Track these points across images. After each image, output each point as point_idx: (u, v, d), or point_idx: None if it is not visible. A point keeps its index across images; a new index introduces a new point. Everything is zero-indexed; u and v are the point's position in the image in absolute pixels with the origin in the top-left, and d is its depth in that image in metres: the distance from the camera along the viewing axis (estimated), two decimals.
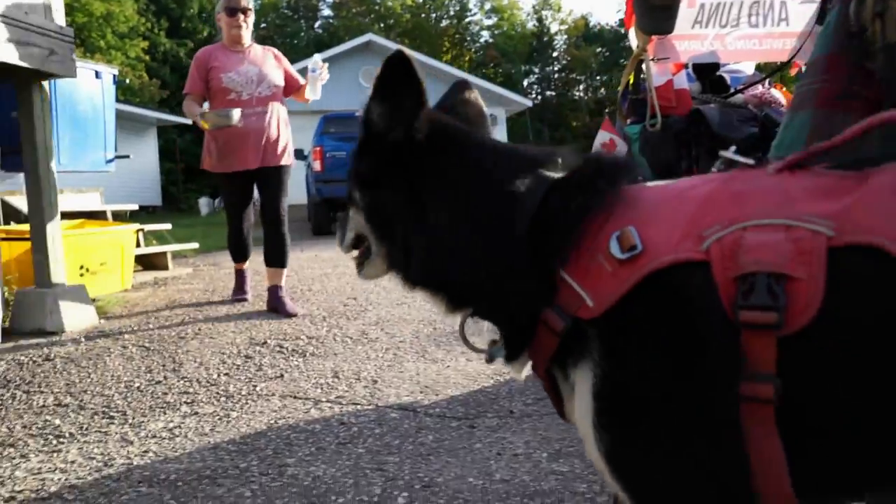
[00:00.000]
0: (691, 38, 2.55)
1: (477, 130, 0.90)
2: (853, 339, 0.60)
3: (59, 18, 3.28)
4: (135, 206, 5.99)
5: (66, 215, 5.10)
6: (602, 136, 2.46)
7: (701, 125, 2.24)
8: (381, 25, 37.12)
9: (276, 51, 3.81)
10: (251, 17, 3.61)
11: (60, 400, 2.30)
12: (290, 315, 3.53)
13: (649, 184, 0.77)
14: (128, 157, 5.51)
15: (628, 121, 2.49)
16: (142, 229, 4.93)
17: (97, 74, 4.32)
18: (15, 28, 2.96)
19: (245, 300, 3.91)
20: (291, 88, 3.74)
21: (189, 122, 18.78)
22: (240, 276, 4.02)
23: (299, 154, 12.82)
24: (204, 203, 18.43)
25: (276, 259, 3.69)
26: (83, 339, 3.12)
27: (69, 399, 2.31)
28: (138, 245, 5.62)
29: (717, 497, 0.66)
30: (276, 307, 3.63)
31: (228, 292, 4.43)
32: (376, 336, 3.11)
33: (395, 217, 0.83)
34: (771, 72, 2.73)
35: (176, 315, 3.70)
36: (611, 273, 0.67)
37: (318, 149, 10.02)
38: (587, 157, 0.82)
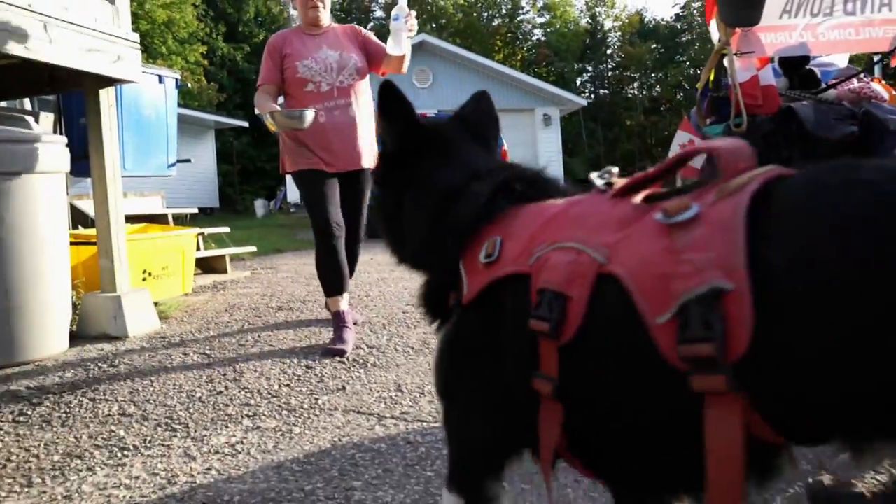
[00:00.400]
0: (778, 30, 2.36)
1: (469, 138, 1.09)
2: (603, 350, 0.71)
3: (126, 24, 3.31)
4: (194, 210, 6.10)
5: (130, 218, 5.21)
6: (681, 137, 2.30)
7: (792, 124, 2.06)
8: (434, 25, 37.18)
9: (357, 27, 3.25)
10: None
11: (125, 409, 2.29)
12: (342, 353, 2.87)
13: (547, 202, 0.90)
14: (189, 161, 5.60)
15: (708, 121, 2.32)
16: (202, 233, 4.97)
17: (160, 79, 4.38)
18: (85, 35, 2.99)
19: (344, 352, 2.87)
20: (377, 61, 3.10)
21: (245, 124, 19.06)
22: (339, 320, 3.03)
23: None
24: (259, 205, 18.79)
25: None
26: (146, 346, 3.14)
27: (133, 409, 2.30)
28: (198, 248, 5.71)
29: (488, 459, 0.89)
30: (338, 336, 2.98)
31: (286, 297, 4.43)
32: None
33: (390, 211, 1.08)
34: (870, 63, 2.51)
35: (235, 321, 3.69)
36: (479, 272, 0.86)
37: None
38: (508, 173, 0.98)
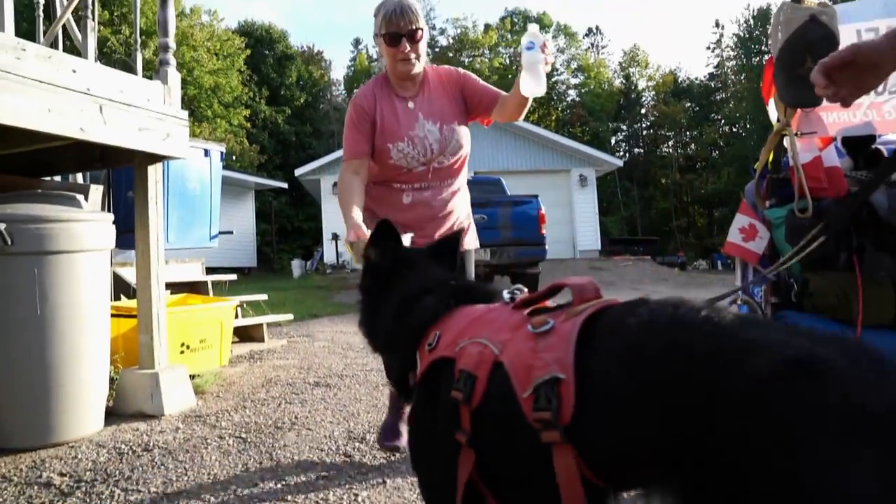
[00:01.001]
0: (841, 109, 2.27)
1: (432, 261, 1.44)
2: (496, 413, 0.98)
3: (177, 102, 3.38)
4: (233, 277, 6.12)
5: (170, 286, 5.24)
6: (740, 221, 2.19)
7: (864, 211, 1.94)
8: None
9: (456, 71, 2.54)
10: (424, 39, 2.37)
11: (157, 503, 2.20)
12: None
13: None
14: (231, 232, 5.66)
15: (767, 203, 2.21)
16: (241, 304, 4.96)
17: (206, 153, 4.47)
18: (137, 114, 3.06)
19: (398, 449, 2.60)
20: (484, 109, 2.47)
21: (284, 185, 19.30)
22: (399, 410, 2.64)
23: None
24: (296, 265, 19.00)
25: None
26: (181, 425, 3.07)
27: (165, 502, 2.20)
28: (236, 317, 5.70)
29: (440, 492, 1.11)
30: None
31: (324, 371, 4.34)
32: None
33: (369, 312, 1.43)
34: None
35: (272, 398, 3.61)
36: (425, 357, 1.15)
37: None
38: (452, 287, 1.29)
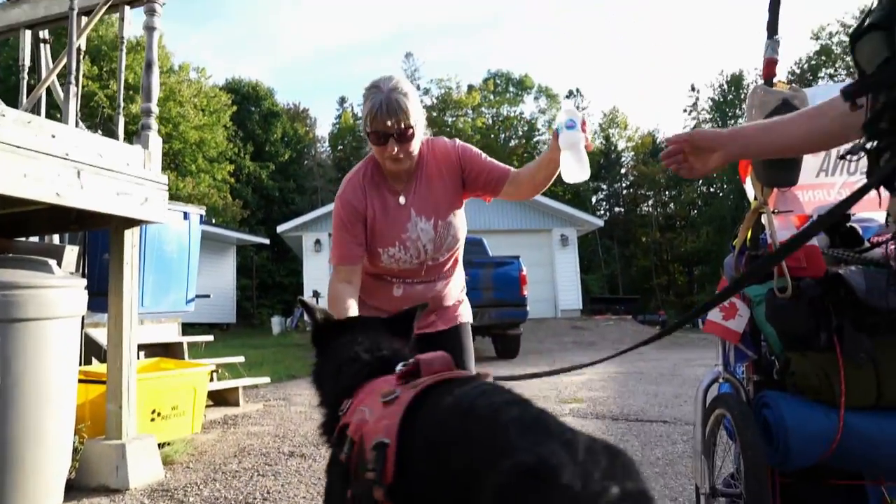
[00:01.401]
0: (816, 188, 2.31)
1: (380, 331, 1.51)
2: (361, 466, 1.06)
3: (156, 166, 3.37)
4: (210, 338, 5.99)
5: (144, 347, 5.11)
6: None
7: (841, 291, 1.94)
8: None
9: (455, 148, 2.15)
10: (417, 136, 2.01)
11: None
12: None
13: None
14: (208, 296, 5.57)
15: None
16: (216, 370, 4.84)
17: (185, 216, 4.44)
18: (116, 179, 3.03)
19: None
20: (491, 188, 2.16)
21: (266, 241, 19.18)
22: None
23: None
24: (276, 322, 18.76)
25: None
26: (146, 502, 2.93)
27: None
28: (211, 380, 5.56)
29: None
30: None
31: (299, 439, 4.21)
32: None
33: (316, 368, 1.52)
34: None
35: (244, 469, 3.48)
36: (342, 417, 1.21)
37: None
38: (375, 356, 1.36)
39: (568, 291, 19.68)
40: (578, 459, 0.76)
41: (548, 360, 9.90)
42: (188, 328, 18.37)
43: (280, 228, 19.57)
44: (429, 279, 2.24)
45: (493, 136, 40.33)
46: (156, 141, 3.37)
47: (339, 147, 41.96)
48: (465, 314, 2.37)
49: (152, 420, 3.74)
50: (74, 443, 3.37)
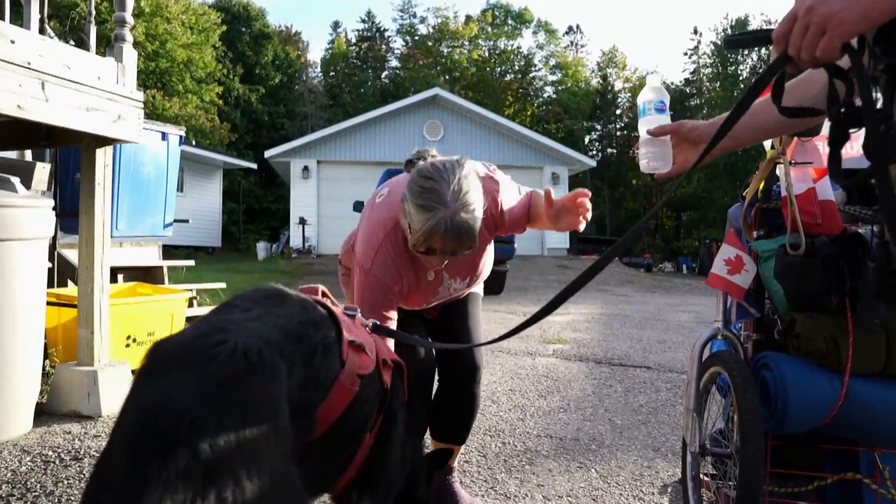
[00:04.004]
0: None
1: None
2: None
3: (131, 82, 3.14)
4: (191, 263, 5.85)
5: (122, 270, 4.97)
6: (727, 251, 2.06)
7: (858, 251, 1.82)
8: (447, 78, 37.77)
9: (495, 219, 1.93)
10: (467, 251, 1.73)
11: None
12: None
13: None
14: (187, 221, 5.38)
15: (755, 233, 2.09)
16: (195, 297, 4.72)
17: (163, 136, 4.20)
18: (85, 94, 2.81)
19: None
20: (524, 223, 1.99)
21: (254, 165, 18.88)
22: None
23: (359, 206, 12.81)
24: (262, 247, 18.62)
25: (454, 428, 2.15)
26: None
27: None
28: (191, 306, 5.45)
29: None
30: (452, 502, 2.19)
31: None
32: None
33: None
34: None
35: None
36: None
37: None
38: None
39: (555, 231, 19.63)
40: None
41: (532, 299, 9.90)
42: (171, 251, 18.22)
43: (268, 153, 19.17)
44: (448, 301, 2.15)
45: (488, 69, 39.30)
46: (130, 54, 3.12)
47: (332, 73, 40.81)
48: (479, 287, 2.28)
49: (127, 346, 3.63)
50: (45, 367, 3.27)
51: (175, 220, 4.66)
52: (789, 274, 1.82)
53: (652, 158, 1.50)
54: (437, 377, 2.13)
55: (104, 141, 3.04)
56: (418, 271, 1.90)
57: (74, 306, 3.32)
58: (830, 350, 1.74)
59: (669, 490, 2.46)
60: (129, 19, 3.15)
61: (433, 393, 2.15)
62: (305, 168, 18.76)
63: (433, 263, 1.84)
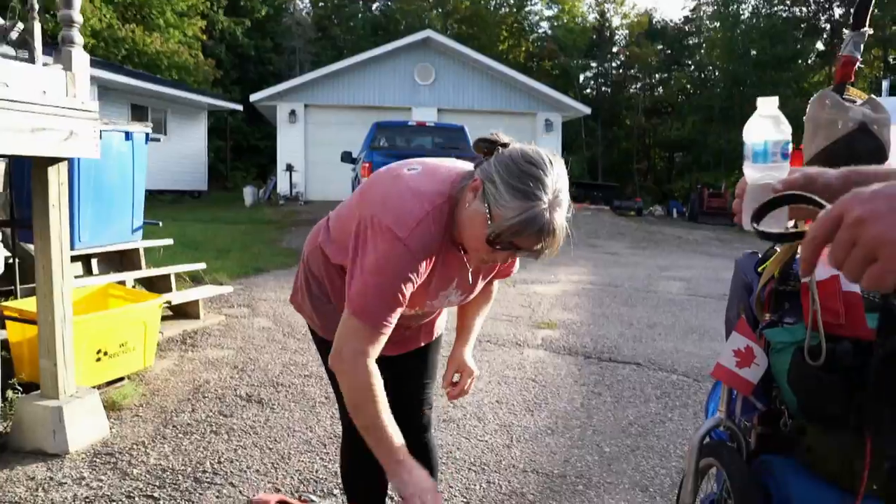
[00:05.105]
0: None
1: None
2: None
3: (84, 91, 2.83)
4: (169, 242, 5.61)
5: (96, 255, 4.74)
6: (736, 341, 1.87)
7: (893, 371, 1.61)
8: (439, 11, 36.41)
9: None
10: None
11: None
12: None
13: None
14: (157, 223, 5.11)
15: (767, 316, 1.91)
16: (168, 302, 4.50)
17: (127, 136, 3.88)
18: (29, 113, 2.52)
19: None
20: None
21: (239, 107, 18.44)
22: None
23: (347, 156, 12.45)
24: (248, 193, 18.23)
25: None
26: (86, 473, 2.70)
27: None
28: (169, 289, 5.27)
29: None
30: None
31: (258, 375, 4.00)
32: None
33: None
34: None
35: (196, 422, 3.27)
36: None
37: (367, 164, 9.58)
38: None
39: None
40: None
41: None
42: (157, 196, 17.84)
43: (253, 97, 18.54)
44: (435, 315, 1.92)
45: (482, 2, 37.81)
46: (81, 59, 2.80)
47: (321, 4, 39.10)
48: (442, 325, 2.05)
49: (98, 360, 3.47)
50: (9, 396, 3.12)
51: (145, 223, 4.40)
52: (805, 386, 1.65)
53: (771, 223, 1.06)
54: None
55: (56, 159, 2.77)
56: (447, 264, 1.60)
57: (36, 323, 3.13)
58: (844, 471, 1.60)
59: None
60: (78, 17, 2.82)
61: None
62: (292, 112, 18.20)
63: (496, 259, 1.51)
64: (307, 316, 1.84)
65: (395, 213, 1.46)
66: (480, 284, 1.78)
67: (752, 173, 1.15)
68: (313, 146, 18.22)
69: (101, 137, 2.97)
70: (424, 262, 1.48)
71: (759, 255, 2.14)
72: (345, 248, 1.57)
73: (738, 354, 1.85)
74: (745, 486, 1.69)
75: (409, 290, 1.47)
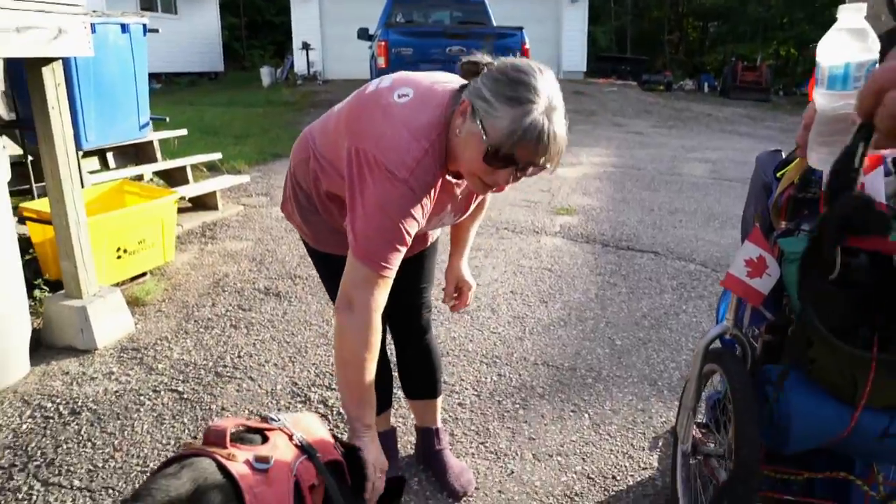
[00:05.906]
0: None
1: None
2: None
3: None
4: (184, 132, 5.55)
5: (112, 149, 4.73)
6: (748, 250, 1.81)
7: None
8: None
9: None
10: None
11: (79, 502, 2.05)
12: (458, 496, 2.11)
13: None
14: (165, 119, 4.98)
15: (783, 223, 1.84)
16: (183, 197, 4.49)
17: (124, 28, 3.69)
18: (11, 11, 2.41)
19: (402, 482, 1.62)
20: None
21: None
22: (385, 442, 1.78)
23: (363, 33, 11.90)
24: (266, 73, 17.74)
25: (421, 385, 2.16)
26: (114, 368, 2.85)
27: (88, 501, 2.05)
28: (186, 181, 5.28)
29: None
30: (441, 473, 2.16)
31: (276, 268, 4.07)
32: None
33: None
34: None
35: (216, 316, 3.38)
36: None
37: (382, 43, 9.12)
38: None
39: (573, 51, 18.49)
40: None
41: None
42: (174, 80, 17.49)
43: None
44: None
45: None
46: None
47: None
48: (437, 231, 2.01)
49: (119, 258, 3.54)
50: (37, 295, 3.22)
51: (152, 118, 4.30)
52: (814, 301, 1.61)
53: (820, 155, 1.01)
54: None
55: (48, 61, 2.67)
56: (444, 191, 1.56)
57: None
58: (846, 385, 1.59)
59: (660, 444, 2.47)
60: None
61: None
62: None
63: (497, 179, 1.40)
64: (297, 225, 1.84)
65: (394, 153, 1.38)
66: (474, 204, 1.74)
67: (826, 101, 0.98)
68: (330, 22, 17.46)
69: (94, 32, 2.84)
70: (426, 198, 1.44)
71: (782, 156, 2.04)
72: (336, 172, 1.54)
73: (750, 264, 1.80)
74: (745, 395, 1.71)
75: (413, 228, 1.44)
